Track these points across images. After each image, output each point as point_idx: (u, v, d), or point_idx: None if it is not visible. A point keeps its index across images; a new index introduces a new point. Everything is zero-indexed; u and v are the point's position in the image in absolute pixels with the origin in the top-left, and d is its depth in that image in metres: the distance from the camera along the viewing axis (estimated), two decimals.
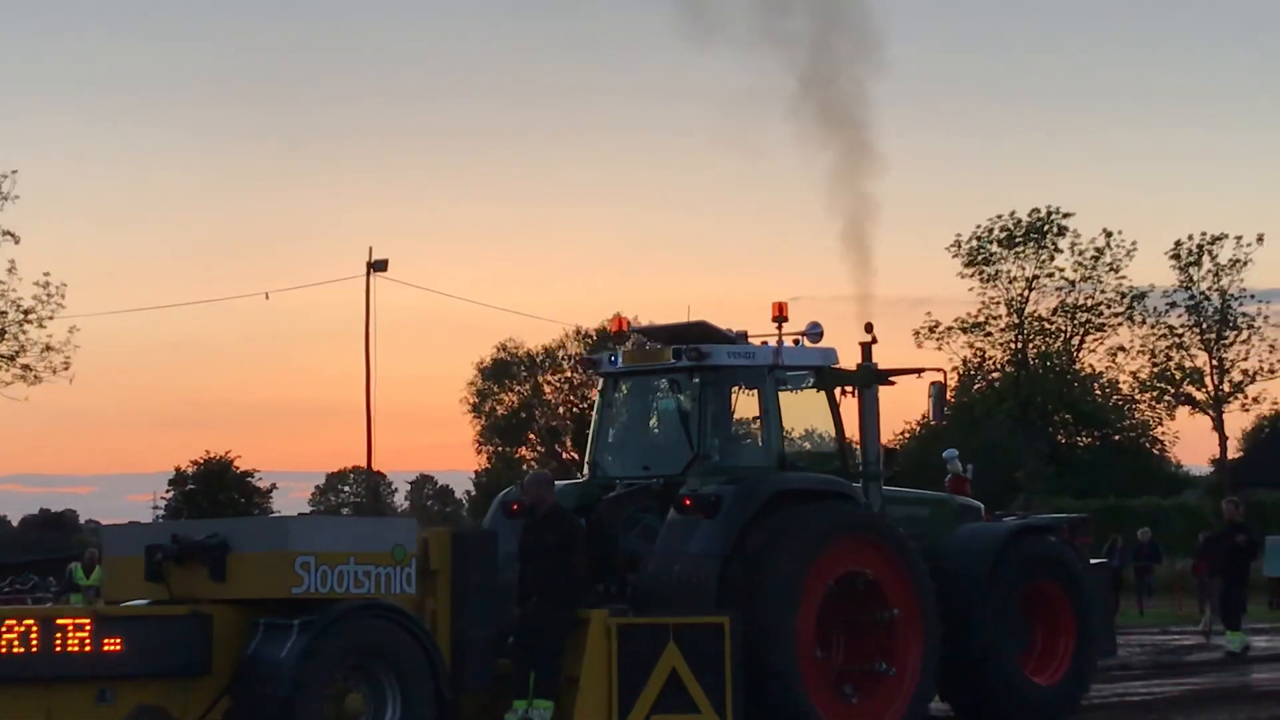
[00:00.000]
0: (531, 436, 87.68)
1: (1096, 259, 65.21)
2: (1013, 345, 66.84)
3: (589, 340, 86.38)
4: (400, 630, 15.07)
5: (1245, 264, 63.22)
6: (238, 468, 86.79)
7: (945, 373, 19.48)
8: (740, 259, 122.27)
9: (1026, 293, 66.09)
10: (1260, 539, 29.85)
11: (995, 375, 68.10)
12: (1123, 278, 65.10)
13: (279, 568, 14.75)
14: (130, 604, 15.45)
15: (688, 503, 16.74)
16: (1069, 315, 66.13)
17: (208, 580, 15.09)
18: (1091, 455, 79.52)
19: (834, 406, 18.15)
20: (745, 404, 17.90)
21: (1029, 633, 18.77)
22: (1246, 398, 64.43)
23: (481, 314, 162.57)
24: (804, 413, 18.23)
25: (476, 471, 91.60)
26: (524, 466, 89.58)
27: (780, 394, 17.81)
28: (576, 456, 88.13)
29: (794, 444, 18.50)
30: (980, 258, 65.89)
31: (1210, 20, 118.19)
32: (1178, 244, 64.21)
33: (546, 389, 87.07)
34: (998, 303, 66.21)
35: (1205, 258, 63.85)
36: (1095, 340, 65.69)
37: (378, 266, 60.10)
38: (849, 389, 18.31)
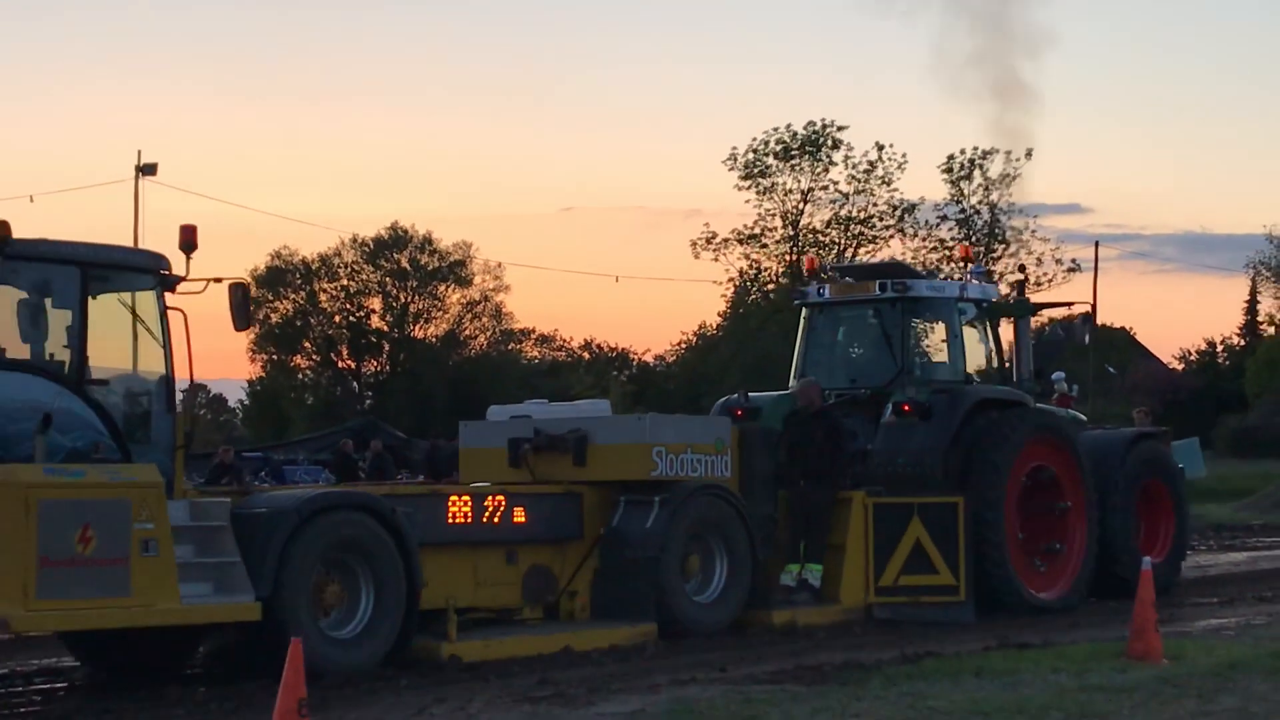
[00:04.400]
0: (307, 345, 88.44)
1: (869, 172, 68.02)
2: (788, 257, 68.72)
3: (365, 248, 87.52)
4: (727, 506, 18.65)
5: (1015, 179, 66.08)
6: None
7: (1093, 305, 23.58)
8: (520, 169, 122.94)
9: (802, 205, 68.80)
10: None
11: (771, 287, 69.80)
12: (895, 190, 67.97)
13: (639, 456, 18.26)
14: (477, 485, 18.60)
15: (906, 408, 20.47)
16: (843, 227, 68.70)
17: (570, 466, 18.44)
18: None
19: (995, 334, 22.04)
20: (931, 328, 21.78)
21: (1140, 520, 22.60)
22: None
23: (255, 220, 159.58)
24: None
25: (250, 380, 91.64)
26: (299, 375, 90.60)
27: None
28: (353, 365, 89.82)
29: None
30: (756, 170, 68.39)
31: None
32: (950, 158, 67.31)
33: (322, 297, 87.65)
34: (773, 215, 68.76)
35: (976, 172, 67.15)
36: (868, 252, 67.47)
37: (146, 170, 57.85)
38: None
